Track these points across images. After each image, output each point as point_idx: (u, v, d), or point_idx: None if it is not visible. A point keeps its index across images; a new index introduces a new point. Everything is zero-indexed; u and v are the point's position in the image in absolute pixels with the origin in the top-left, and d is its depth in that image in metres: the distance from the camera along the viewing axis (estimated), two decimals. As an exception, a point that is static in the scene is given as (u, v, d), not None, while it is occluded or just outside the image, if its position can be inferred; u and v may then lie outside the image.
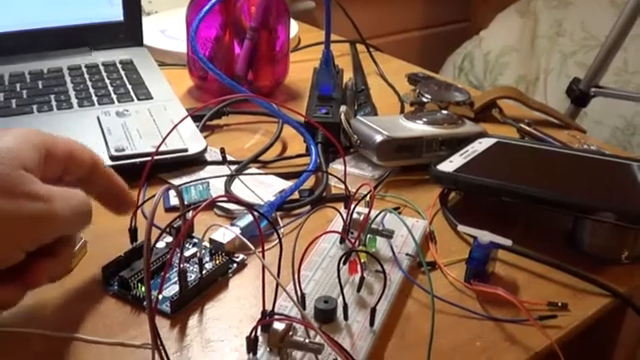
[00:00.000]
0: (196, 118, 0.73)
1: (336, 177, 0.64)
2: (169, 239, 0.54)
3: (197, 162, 0.67)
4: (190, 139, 0.68)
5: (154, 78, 0.81)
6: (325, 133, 0.66)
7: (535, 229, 0.60)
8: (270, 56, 0.83)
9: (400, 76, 0.91)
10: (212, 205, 0.60)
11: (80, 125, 0.70)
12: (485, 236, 0.52)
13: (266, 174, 0.66)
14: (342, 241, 0.54)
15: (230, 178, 0.64)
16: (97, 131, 0.68)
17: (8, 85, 0.77)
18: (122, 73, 0.82)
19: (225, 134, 0.76)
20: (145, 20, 0.92)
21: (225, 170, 0.66)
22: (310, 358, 0.42)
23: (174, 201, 0.60)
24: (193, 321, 0.48)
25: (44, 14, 0.85)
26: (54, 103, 0.74)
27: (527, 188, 0.57)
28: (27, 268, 0.42)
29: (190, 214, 0.50)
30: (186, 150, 0.66)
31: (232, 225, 0.55)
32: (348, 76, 0.87)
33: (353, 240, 0.52)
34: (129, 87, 0.78)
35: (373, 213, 0.53)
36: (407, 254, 0.54)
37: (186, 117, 0.62)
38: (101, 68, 0.82)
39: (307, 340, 0.41)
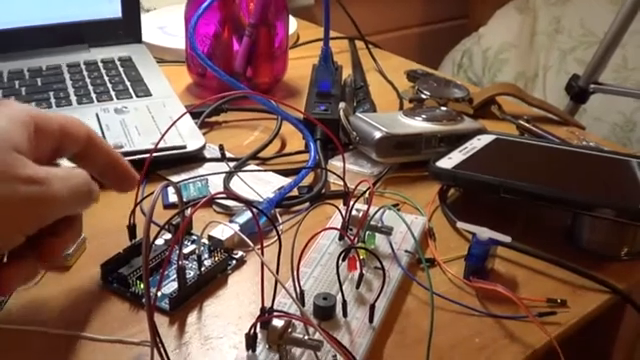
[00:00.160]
0: (195, 115, 0.73)
1: (335, 174, 0.64)
2: (168, 236, 0.54)
3: (196, 159, 0.67)
4: (189, 136, 0.68)
5: (153, 75, 0.81)
6: (324, 130, 0.66)
7: (534, 226, 0.60)
8: (269, 53, 0.83)
9: (399, 73, 0.91)
10: (211, 202, 0.60)
11: (79, 122, 0.70)
12: (484, 233, 0.52)
13: (265, 171, 0.66)
14: (341, 238, 0.54)
15: (229, 175, 0.64)
16: (96, 128, 0.68)
17: (7, 82, 0.77)
18: (121, 70, 0.82)
19: (224, 131, 0.76)
20: (144, 17, 0.91)
21: (224, 167, 0.65)
22: (309, 355, 0.42)
23: (173, 198, 0.60)
24: (192, 318, 0.48)
25: (43, 11, 0.84)
26: (53, 100, 0.74)
27: (526, 185, 0.57)
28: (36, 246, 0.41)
29: (189, 211, 0.50)
30: (185, 147, 0.66)
31: (231, 222, 0.55)
32: (347, 73, 0.87)
33: (352, 237, 0.52)
34: (128, 84, 0.78)
35: (372, 210, 0.53)
36: (406, 251, 0.54)
37: (185, 114, 0.62)
38: (100, 65, 0.82)
39: (306, 337, 0.41)
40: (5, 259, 0.41)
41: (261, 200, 0.59)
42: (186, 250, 0.52)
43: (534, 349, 0.46)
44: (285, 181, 0.64)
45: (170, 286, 0.49)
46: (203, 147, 0.67)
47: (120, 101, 0.75)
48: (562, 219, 0.59)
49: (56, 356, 0.44)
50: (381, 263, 0.47)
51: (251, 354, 0.43)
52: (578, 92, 1.30)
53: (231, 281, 0.52)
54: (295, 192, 0.62)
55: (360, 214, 0.53)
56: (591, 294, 0.52)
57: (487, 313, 0.49)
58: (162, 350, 0.40)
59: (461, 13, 1.86)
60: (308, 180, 0.64)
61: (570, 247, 0.57)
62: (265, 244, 0.44)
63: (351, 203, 0.54)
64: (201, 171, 0.66)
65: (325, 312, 0.46)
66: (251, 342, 0.42)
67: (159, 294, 0.48)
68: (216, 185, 0.63)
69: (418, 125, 0.69)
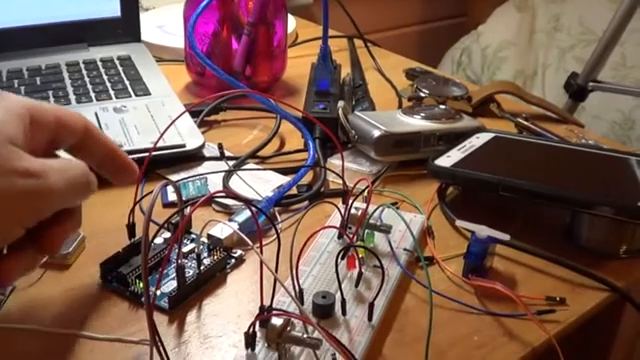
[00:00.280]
0: (194, 114, 0.73)
1: (334, 172, 0.64)
2: (167, 235, 0.54)
3: (195, 158, 0.67)
4: (188, 135, 0.68)
5: (152, 74, 0.81)
6: (323, 128, 0.66)
7: (533, 224, 0.61)
8: (268, 51, 0.83)
9: (398, 71, 0.91)
10: (210, 201, 0.60)
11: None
12: (483, 231, 0.52)
13: (264, 169, 0.66)
14: (340, 236, 0.54)
15: (228, 174, 0.64)
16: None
17: (6, 81, 0.77)
18: (120, 69, 0.82)
19: (223, 130, 0.76)
20: (143, 16, 0.91)
21: (223, 166, 0.66)
22: (308, 353, 0.42)
23: (172, 197, 0.60)
24: (191, 317, 0.48)
25: (42, 10, 0.84)
26: (52, 99, 0.74)
27: (525, 183, 0.57)
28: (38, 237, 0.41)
29: (188, 210, 0.50)
30: (184, 146, 0.66)
31: (230, 221, 0.55)
32: (346, 71, 0.87)
33: (351, 235, 0.52)
34: (127, 83, 0.78)
35: (371, 208, 0.53)
36: (405, 249, 0.54)
37: (184, 113, 0.62)
38: (99, 64, 0.82)
39: (305, 335, 0.41)
40: (5, 250, 0.41)
41: (260, 199, 0.59)
42: (185, 249, 0.53)
43: (533, 347, 0.46)
44: (284, 180, 0.64)
45: (169, 285, 0.49)
46: (202, 146, 0.67)
47: (119, 100, 0.75)
48: (561, 217, 0.59)
49: (55, 355, 0.44)
50: (380, 261, 0.47)
51: (250, 353, 0.43)
52: (577, 90, 1.30)
53: (230, 280, 0.52)
54: (294, 191, 0.62)
55: (359, 212, 0.53)
56: (590, 292, 0.52)
57: (486, 311, 0.49)
58: (161, 349, 0.40)
59: (460, 11, 1.86)
60: (307, 179, 0.64)
61: (569, 245, 0.57)
62: (264, 243, 0.44)
63: (350, 201, 0.54)
64: (200, 170, 0.66)
65: (324, 310, 0.46)
66: (250, 341, 0.42)
67: (158, 293, 0.48)
68: (215, 184, 0.63)
69: (417, 123, 0.69)
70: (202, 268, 0.50)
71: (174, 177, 0.64)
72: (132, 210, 0.51)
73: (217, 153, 0.67)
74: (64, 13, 0.85)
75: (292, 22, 1.05)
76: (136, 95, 0.76)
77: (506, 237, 0.52)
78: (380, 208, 0.54)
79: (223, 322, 0.47)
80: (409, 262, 0.53)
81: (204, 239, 0.53)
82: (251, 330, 0.42)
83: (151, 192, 0.41)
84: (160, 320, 0.47)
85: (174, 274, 0.49)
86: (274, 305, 0.43)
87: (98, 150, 0.46)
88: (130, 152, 0.63)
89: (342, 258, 0.50)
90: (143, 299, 0.47)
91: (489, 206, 0.62)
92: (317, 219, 0.57)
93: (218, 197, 0.60)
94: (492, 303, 0.50)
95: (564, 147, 0.68)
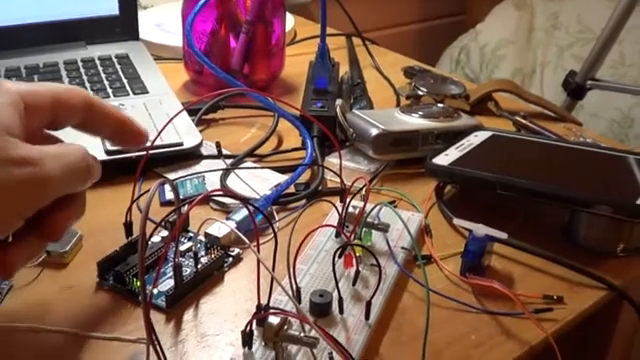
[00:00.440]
0: (192, 112, 0.73)
1: (332, 171, 0.64)
2: (164, 233, 0.54)
3: (192, 156, 0.67)
4: (186, 133, 0.68)
5: (150, 72, 0.81)
6: (321, 127, 0.66)
7: (531, 222, 0.61)
8: (266, 50, 0.83)
9: (396, 69, 0.90)
10: (207, 199, 0.60)
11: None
12: (480, 229, 0.52)
13: (262, 168, 0.66)
14: (337, 235, 0.54)
15: (226, 172, 0.64)
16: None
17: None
18: (118, 67, 0.81)
19: (221, 128, 0.76)
20: (141, 14, 0.91)
21: (221, 164, 0.65)
22: (305, 352, 0.42)
23: (169, 195, 0.60)
24: (188, 315, 0.48)
25: (40, 8, 0.84)
26: (49, 97, 0.74)
27: (523, 181, 0.57)
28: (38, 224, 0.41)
29: (185, 208, 0.50)
30: (182, 144, 0.66)
31: (227, 219, 0.55)
32: (344, 69, 0.87)
33: (348, 234, 0.52)
34: (125, 81, 0.78)
35: (369, 207, 0.53)
36: (403, 248, 0.54)
37: (182, 111, 0.62)
38: (97, 62, 0.82)
39: (302, 334, 0.41)
40: (10, 239, 0.40)
41: (258, 197, 0.59)
42: (182, 247, 0.52)
43: (530, 346, 0.46)
44: (282, 178, 0.64)
45: (166, 283, 0.49)
46: (200, 144, 0.67)
47: (117, 98, 0.75)
48: (559, 216, 0.59)
49: (52, 353, 0.44)
50: (377, 260, 0.47)
51: (247, 351, 0.43)
52: (575, 88, 1.30)
53: (227, 278, 0.52)
54: (292, 189, 0.62)
55: (356, 211, 0.53)
56: (588, 290, 0.52)
57: (483, 310, 0.49)
58: (158, 347, 0.40)
59: (458, 9, 1.86)
60: (305, 177, 0.64)
61: (567, 244, 0.57)
62: (261, 241, 0.44)
63: (348, 200, 0.54)
64: (198, 168, 0.66)
65: (321, 309, 0.46)
66: (247, 339, 0.42)
67: (155, 291, 0.48)
68: (213, 182, 0.63)
69: (415, 122, 0.69)
70: (199, 267, 0.50)
71: (171, 175, 0.64)
72: (129, 208, 0.51)
73: (215, 151, 0.67)
74: (62, 11, 0.85)
75: (290, 20, 1.05)
76: (134, 93, 0.76)
77: (504, 236, 0.52)
78: (378, 206, 0.54)
79: (220, 321, 0.47)
80: (407, 261, 0.53)
81: (201, 237, 0.53)
82: (248, 329, 0.42)
83: (148, 190, 0.41)
84: (157, 318, 0.47)
85: (171, 273, 0.49)
86: (271, 304, 0.43)
87: (104, 123, 0.45)
88: (128, 151, 0.63)
89: (339, 257, 0.50)
90: (140, 297, 0.47)
91: (487, 204, 0.62)
92: (315, 217, 0.57)
93: (215, 195, 0.60)
94: (490, 302, 0.50)
95: (562, 145, 0.68)
